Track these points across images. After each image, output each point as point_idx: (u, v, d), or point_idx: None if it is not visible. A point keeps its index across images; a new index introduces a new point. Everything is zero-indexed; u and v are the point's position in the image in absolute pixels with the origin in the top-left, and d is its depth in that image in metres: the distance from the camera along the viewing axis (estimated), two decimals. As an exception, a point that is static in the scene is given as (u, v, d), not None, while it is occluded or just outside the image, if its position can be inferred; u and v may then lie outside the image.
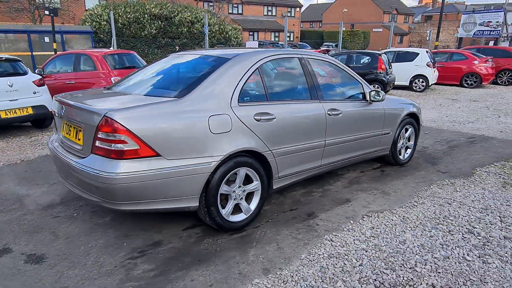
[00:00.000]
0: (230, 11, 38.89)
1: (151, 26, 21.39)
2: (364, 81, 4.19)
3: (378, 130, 4.24)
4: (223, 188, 2.88)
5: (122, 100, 2.89)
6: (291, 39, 43.15)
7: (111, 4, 21.37)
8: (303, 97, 3.49)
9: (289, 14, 45.06)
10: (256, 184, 3.09)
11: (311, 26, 63.98)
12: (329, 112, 3.58)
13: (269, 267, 2.58)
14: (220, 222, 2.90)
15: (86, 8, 27.32)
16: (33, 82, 6.35)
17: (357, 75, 4.18)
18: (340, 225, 3.19)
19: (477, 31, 21.70)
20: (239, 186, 2.99)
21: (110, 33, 20.35)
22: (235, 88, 2.95)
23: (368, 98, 4.07)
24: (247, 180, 3.06)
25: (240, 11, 40.64)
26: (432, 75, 12.78)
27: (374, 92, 4.07)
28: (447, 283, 2.42)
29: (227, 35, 24.87)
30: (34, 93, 6.33)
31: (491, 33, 20.84)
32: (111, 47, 12.92)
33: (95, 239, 2.95)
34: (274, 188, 3.30)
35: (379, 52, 11.62)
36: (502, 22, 20.41)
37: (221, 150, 2.78)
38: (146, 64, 8.18)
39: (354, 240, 2.95)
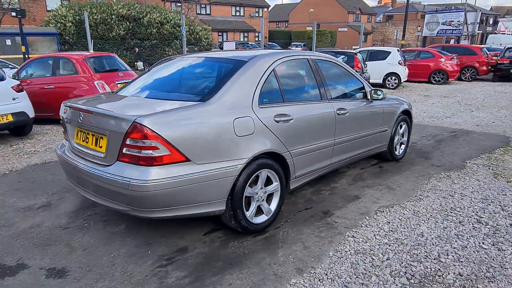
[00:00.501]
0: (198, 12, 38.52)
1: (119, 27, 20.82)
2: (364, 80, 4.31)
3: (378, 128, 4.38)
4: (248, 191, 2.87)
5: (145, 105, 2.82)
6: (260, 39, 43.30)
7: (76, 5, 20.59)
8: (314, 97, 3.54)
9: (256, 15, 45.30)
10: (275, 185, 3.11)
11: (277, 26, 64.56)
12: (338, 112, 3.66)
13: (302, 266, 2.61)
14: (245, 224, 2.89)
15: (48, 9, 26.16)
16: (12, 87, 6.03)
17: (358, 74, 4.30)
18: (357, 222, 3.27)
19: (440, 30, 22.81)
20: (261, 188, 3.00)
21: (76, 34, 19.68)
22: (255, 90, 2.96)
23: (369, 97, 4.19)
24: (267, 181, 3.07)
25: (208, 12, 40.36)
26: (404, 72, 13.30)
27: (374, 91, 4.20)
28: (472, 271, 2.55)
29: (197, 36, 24.66)
30: (14, 99, 6.01)
31: (454, 31, 21.98)
32: (90, 49, 12.52)
33: (116, 249, 2.85)
34: (291, 188, 3.33)
35: (355, 51, 11.94)
36: (463, 22, 21.59)
37: (246, 152, 2.77)
38: (127, 66, 7.98)
39: (374, 235, 3.03)
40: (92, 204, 3.65)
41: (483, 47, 16.84)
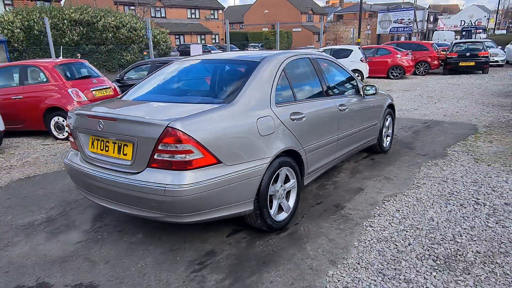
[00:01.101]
0: (153, 15, 37.65)
1: (72, 32, 19.92)
2: (356, 76, 4.49)
3: (371, 122, 4.57)
4: (271, 189, 2.91)
5: (170, 109, 2.76)
6: (217, 41, 43.26)
7: (23, 10, 19.40)
8: (319, 94, 3.64)
9: (212, 17, 45.10)
10: (293, 182, 3.17)
11: (232, 28, 64.64)
12: (340, 108, 3.79)
13: (333, 258, 2.69)
14: (270, 223, 2.92)
15: (-9, 15, 24.37)
16: (-21, 99, 5.60)
17: (350, 71, 4.46)
18: (369, 212, 3.41)
19: (393, 28, 24.04)
20: (281, 186, 3.04)
21: (26, 41, 18.57)
22: (271, 89, 3.00)
23: (361, 92, 4.37)
24: (285, 179, 3.12)
25: (163, 15, 39.53)
26: (366, 69, 13.88)
27: (366, 86, 4.38)
28: (487, 248, 2.76)
29: (155, 39, 24.12)
30: (-18, 111, 5.59)
31: (405, 29, 23.25)
32: (60, 56, 11.82)
33: (141, 258, 2.77)
34: (305, 184, 3.41)
35: (320, 50, 12.29)
36: (413, 19, 22.90)
37: (269, 151, 2.81)
38: (98, 72, 7.67)
39: (389, 223, 3.18)
40: (99, 215, 3.51)
41: (433, 43, 17.97)
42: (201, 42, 40.19)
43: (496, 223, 3.13)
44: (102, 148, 2.73)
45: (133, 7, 32.97)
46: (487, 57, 16.34)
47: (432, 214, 3.32)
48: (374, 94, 4.39)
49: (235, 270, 2.58)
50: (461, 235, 2.95)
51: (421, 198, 3.68)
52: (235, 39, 40.32)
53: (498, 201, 3.56)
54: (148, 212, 2.51)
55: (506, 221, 3.15)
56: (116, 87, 7.66)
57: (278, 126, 2.92)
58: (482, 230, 3.02)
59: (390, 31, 23.90)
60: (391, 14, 23.59)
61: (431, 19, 59.93)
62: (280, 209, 3.11)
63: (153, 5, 35.60)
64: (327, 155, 3.70)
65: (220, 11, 46.53)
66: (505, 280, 2.38)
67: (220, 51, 6.23)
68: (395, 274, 2.48)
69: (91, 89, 6.91)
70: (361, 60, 13.73)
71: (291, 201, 3.20)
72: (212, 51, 24.71)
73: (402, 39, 23.49)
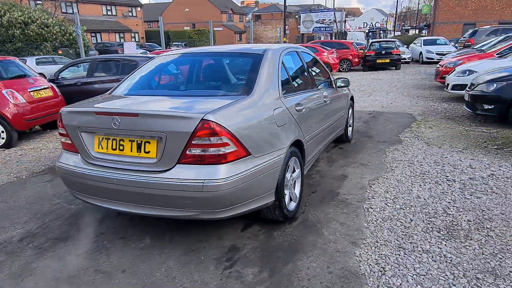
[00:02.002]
0: (64, 11, 34.51)
1: (-31, 28, 17.46)
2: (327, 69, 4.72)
3: (341, 112, 4.85)
4: (285, 180, 2.94)
5: (196, 102, 2.64)
6: (137, 39, 41.22)
7: None
8: (309, 86, 3.76)
9: (130, 14, 42.82)
10: (298, 172, 3.24)
11: (149, 26, 62.24)
12: (325, 99, 3.96)
13: (353, 240, 2.83)
14: (286, 213, 2.96)
15: None
16: None
17: (323, 65, 4.67)
18: (362, 195, 3.63)
19: (315, 27, 25.41)
20: (291, 176, 3.10)
21: None
22: (278, 80, 3.03)
23: (334, 85, 4.61)
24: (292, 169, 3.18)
25: (76, 10, 36.34)
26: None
27: (339, 79, 4.63)
28: (474, 216, 3.14)
29: (71, 37, 22.24)
30: None
31: (327, 29, 24.74)
32: None
33: (161, 263, 2.61)
34: (304, 173, 3.50)
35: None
36: (333, 20, 24.48)
37: (285, 142, 2.85)
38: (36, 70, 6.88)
39: (385, 204, 3.43)
40: (88, 224, 3.20)
41: (353, 42, 19.43)
42: (120, 40, 37.95)
43: (471, 195, 3.57)
44: (114, 147, 2.50)
45: (40, 2, 29.87)
46: (399, 54, 18.17)
47: (417, 193, 3.66)
48: (346, 86, 4.65)
49: (267, 262, 2.57)
50: (449, 208, 3.31)
51: (400, 179, 4.03)
52: (156, 37, 38.90)
53: (463, 176, 4.05)
54: (180, 211, 2.38)
55: (477, 193, 3.61)
56: (55, 87, 6.95)
57: (289, 117, 2.97)
58: (463, 202, 3.42)
59: (313, 30, 25.32)
60: (313, 15, 25.03)
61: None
62: (289, 199, 3.16)
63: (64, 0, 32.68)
64: (318, 145, 3.85)
65: (139, 9, 44.44)
66: (501, 241, 2.75)
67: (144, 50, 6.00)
68: (413, 247, 2.70)
69: (28, 90, 6.19)
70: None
71: (297, 191, 3.27)
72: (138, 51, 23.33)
73: (322, 38, 25.04)
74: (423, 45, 21.30)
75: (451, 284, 2.28)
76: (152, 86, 3.05)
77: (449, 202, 3.42)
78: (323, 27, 24.56)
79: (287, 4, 72.70)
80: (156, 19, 61.07)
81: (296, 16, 55.56)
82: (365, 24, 68.04)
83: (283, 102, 2.97)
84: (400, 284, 2.28)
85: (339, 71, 18.41)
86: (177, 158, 2.32)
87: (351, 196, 3.62)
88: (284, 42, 22.44)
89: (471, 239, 2.78)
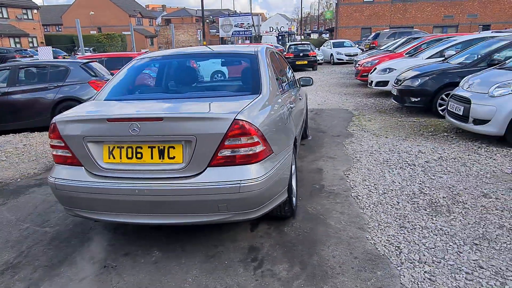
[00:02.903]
0: None
1: None
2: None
3: (305, 109, 5.07)
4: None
5: (217, 103, 2.57)
6: (35, 44, 37.02)
7: None
8: (290, 84, 3.88)
9: (25, 17, 38.33)
10: (294, 168, 3.33)
11: (46, 30, 56.73)
12: (299, 97, 4.12)
13: (358, 225, 3.01)
14: (294, 208, 3.03)
15: None
16: None
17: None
18: (345, 185, 3.86)
19: (234, 31, 25.75)
20: (291, 172, 3.17)
21: None
22: (274, 79, 3.08)
23: (298, 84, 4.80)
24: (288, 165, 3.26)
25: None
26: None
27: (302, 78, 4.84)
28: (446, 193, 3.56)
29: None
30: None
31: (246, 32, 25.24)
32: None
33: (184, 273, 2.47)
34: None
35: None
36: (252, 24, 25.08)
37: (291, 138, 2.93)
38: None
39: (369, 191, 3.71)
40: (77, 246, 2.88)
41: (272, 45, 20.15)
42: (15, 45, 33.76)
43: (434, 176, 4.03)
44: (130, 156, 2.30)
45: None
46: (315, 56, 19.42)
47: (390, 178, 4.02)
48: (311, 85, 4.88)
49: (292, 256, 2.61)
50: (423, 188, 3.70)
51: (369, 168, 4.37)
52: (59, 42, 35.58)
53: (419, 161, 4.55)
54: (212, 215, 2.29)
55: (438, 173, 4.10)
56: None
57: (288, 114, 3.04)
58: (431, 183, 3.85)
59: (232, 34, 25.67)
60: (232, 19, 25.36)
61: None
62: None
63: None
64: (299, 141, 3.99)
65: (35, 11, 40.00)
66: (476, 211, 3.17)
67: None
68: (412, 225, 2.98)
69: None
70: (223, 61, 14.34)
71: (294, 186, 3.35)
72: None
73: (240, 42, 25.54)
74: (333, 47, 23.05)
75: (458, 252, 2.58)
76: (151, 90, 2.86)
77: (420, 184, 3.82)
78: (242, 30, 25.08)
79: (195, 9, 71.98)
80: (56, 22, 55.93)
81: (207, 21, 55.70)
82: (271, 29, 71.13)
83: (282, 99, 3.04)
84: (420, 258, 2.51)
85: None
86: (208, 161, 2.24)
87: (336, 187, 3.82)
88: (204, 45, 22.34)
89: (453, 213, 3.16)
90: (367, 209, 3.31)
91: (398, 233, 2.87)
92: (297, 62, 18.92)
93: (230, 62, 3.24)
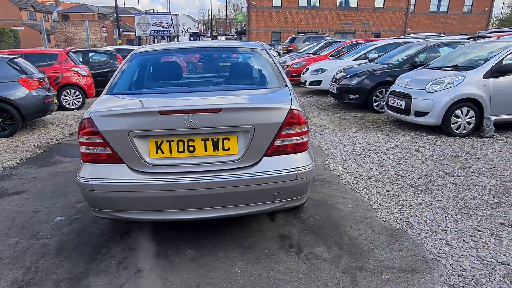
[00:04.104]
0: None
1: None
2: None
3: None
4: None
5: (253, 95, 2.59)
6: None
7: None
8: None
9: None
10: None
11: None
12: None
13: (364, 207, 3.30)
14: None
15: None
16: None
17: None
18: (332, 173, 4.15)
19: (152, 30, 24.66)
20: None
21: None
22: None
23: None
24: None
25: None
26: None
27: None
28: (418, 175, 4.08)
29: None
30: None
31: (165, 32, 24.37)
32: None
33: (230, 266, 2.46)
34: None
35: (114, 49, 11.58)
36: (171, 23, 24.32)
37: (306, 129, 3.07)
38: None
39: (355, 177, 4.04)
40: (94, 252, 2.63)
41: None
42: None
43: (400, 161, 4.56)
44: (182, 150, 2.20)
45: None
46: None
47: (365, 165, 4.43)
48: None
49: (325, 238, 2.77)
50: (397, 172, 4.17)
51: (343, 157, 4.74)
52: None
53: (380, 149, 5.07)
54: (267, 204, 2.33)
55: (402, 159, 4.64)
56: None
57: (299, 107, 3.19)
58: (401, 167, 4.36)
59: (150, 33, 24.54)
60: (149, 17, 24.23)
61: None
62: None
63: None
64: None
65: None
66: (450, 188, 3.71)
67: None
68: (408, 203, 3.37)
69: None
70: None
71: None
72: None
73: (156, 41, 24.62)
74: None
75: (455, 220, 3.02)
76: (169, 83, 2.72)
77: (393, 168, 4.30)
78: (161, 30, 24.22)
79: (96, 5, 67.17)
80: None
81: (111, 19, 52.41)
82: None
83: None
84: (430, 229, 2.88)
85: (186, 73, 18.66)
86: (264, 150, 2.27)
87: (325, 176, 4.08)
88: (120, 44, 21.06)
89: (433, 190, 3.65)
90: (362, 192, 3.62)
91: (400, 210, 3.23)
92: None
93: (243, 56, 3.26)
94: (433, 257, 2.52)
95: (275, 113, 2.29)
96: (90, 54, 11.36)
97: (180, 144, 2.22)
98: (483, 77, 5.58)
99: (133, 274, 2.41)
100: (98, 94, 10.19)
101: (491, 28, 38.20)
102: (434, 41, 8.69)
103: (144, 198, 2.22)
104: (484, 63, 5.70)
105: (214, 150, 2.25)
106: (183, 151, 2.23)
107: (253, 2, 37.61)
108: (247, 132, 2.25)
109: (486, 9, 39.47)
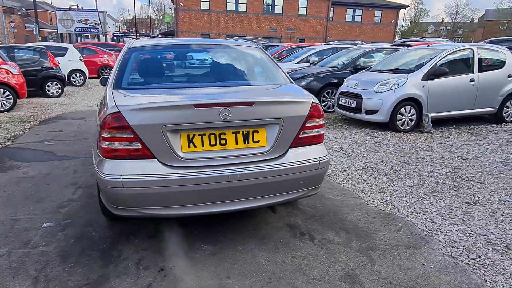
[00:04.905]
0: None
1: None
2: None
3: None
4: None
5: (268, 89, 2.71)
6: None
7: None
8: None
9: None
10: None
11: None
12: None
13: (352, 195, 3.57)
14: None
15: None
16: None
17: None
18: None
19: (77, 27, 22.80)
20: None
21: None
22: (281, 71, 3.34)
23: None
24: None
25: None
26: (86, 69, 13.18)
27: None
28: (383, 165, 4.51)
29: None
30: None
31: (92, 30, 22.68)
32: None
33: (252, 257, 2.52)
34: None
35: (44, 46, 10.63)
36: (99, 21, 22.73)
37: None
38: None
39: (331, 170, 4.33)
40: (101, 257, 2.50)
41: (127, 45, 19.09)
42: None
43: (363, 154, 4.98)
44: (213, 143, 2.21)
45: None
46: (172, 58, 19.38)
47: (337, 159, 4.75)
48: None
49: (330, 224, 2.96)
50: (367, 164, 4.55)
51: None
52: None
53: (343, 145, 5.47)
54: (291, 194, 2.46)
55: (364, 152, 5.06)
56: None
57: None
58: (366, 159, 4.77)
59: (75, 30, 22.55)
60: (73, 14, 22.26)
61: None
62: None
63: None
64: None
65: None
66: (414, 176, 4.17)
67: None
68: (386, 190, 3.73)
69: None
70: (80, 59, 12.88)
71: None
72: None
73: (79, 40, 22.83)
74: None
75: (431, 202, 3.43)
76: (183, 78, 2.68)
77: (360, 161, 4.68)
78: (87, 27, 22.46)
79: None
80: None
81: (19, 13, 47.55)
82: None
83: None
84: (414, 210, 3.25)
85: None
86: (290, 142, 2.39)
87: (304, 170, 4.30)
88: (40, 40, 19.19)
89: (402, 178, 4.08)
90: (344, 183, 3.91)
91: (382, 197, 3.56)
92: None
93: (244, 53, 3.28)
94: (426, 234, 2.86)
95: (301, 106, 2.42)
96: (16, 51, 10.27)
97: (212, 137, 2.24)
98: (422, 79, 6.31)
99: (156, 273, 2.34)
100: (30, 95, 9.16)
101: (397, 38, 42.60)
102: (370, 47, 9.54)
103: (177, 193, 2.18)
104: (422, 67, 6.45)
105: (244, 143, 2.30)
106: (215, 144, 2.25)
107: (181, 3, 37.08)
108: (276, 125, 2.35)
109: (393, 21, 43.87)
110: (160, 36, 55.30)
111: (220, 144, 2.26)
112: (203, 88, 2.67)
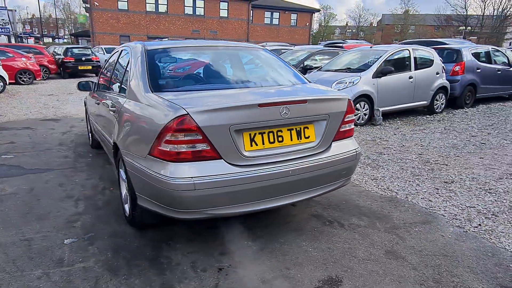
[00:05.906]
0: None
1: None
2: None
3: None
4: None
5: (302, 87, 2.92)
6: None
7: None
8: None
9: None
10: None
11: None
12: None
13: (351, 184, 3.88)
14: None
15: None
16: None
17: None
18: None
19: None
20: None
21: None
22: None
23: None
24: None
25: None
26: (4, 73, 11.81)
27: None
28: (363, 157, 4.93)
29: None
30: None
31: (2, 30, 20.06)
32: None
33: (299, 247, 2.66)
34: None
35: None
36: (9, 21, 20.18)
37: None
38: None
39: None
40: (143, 262, 2.44)
41: (46, 47, 17.45)
42: None
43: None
44: (272, 140, 2.31)
45: None
46: (99, 61, 18.28)
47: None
48: None
49: (348, 212, 3.21)
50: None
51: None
52: None
53: (316, 140, 5.81)
54: (333, 184, 2.67)
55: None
56: None
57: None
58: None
59: None
60: None
61: None
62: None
63: None
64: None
65: None
66: (389, 162, 4.66)
67: None
68: (376, 177, 4.12)
69: None
70: (-2, 63, 11.50)
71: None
72: None
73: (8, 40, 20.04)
74: (106, 53, 22.13)
75: (418, 184, 3.90)
76: (218, 80, 2.68)
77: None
78: (-5, 27, 19.76)
79: None
80: None
81: None
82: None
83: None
84: (410, 192, 3.66)
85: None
86: (333, 136, 2.59)
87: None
88: None
89: (382, 166, 4.53)
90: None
91: (377, 183, 3.94)
92: (79, 67, 17.27)
93: (260, 55, 3.34)
94: (430, 211, 3.27)
95: (341, 103, 2.63)
96: None
97: (271, 135, 2.33)
98: (372, 77, 6.97)
99: (217, 273, 2.36)
100: None
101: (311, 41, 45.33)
102: (313, 48, 10.15)
103: (243, 191, 2.22)
104: (371, 66, 7.12)
105: (298, 139, 2.44)
106: (274, 142, 2.34)
107: (95, 3, 34.90)
108: (323, 120, 2.53)
109: (307, 24, 46.57)
110: (61, 37, 51.02)
111: (278, 141, 2.37)
112: (243, 89, 2.74)
